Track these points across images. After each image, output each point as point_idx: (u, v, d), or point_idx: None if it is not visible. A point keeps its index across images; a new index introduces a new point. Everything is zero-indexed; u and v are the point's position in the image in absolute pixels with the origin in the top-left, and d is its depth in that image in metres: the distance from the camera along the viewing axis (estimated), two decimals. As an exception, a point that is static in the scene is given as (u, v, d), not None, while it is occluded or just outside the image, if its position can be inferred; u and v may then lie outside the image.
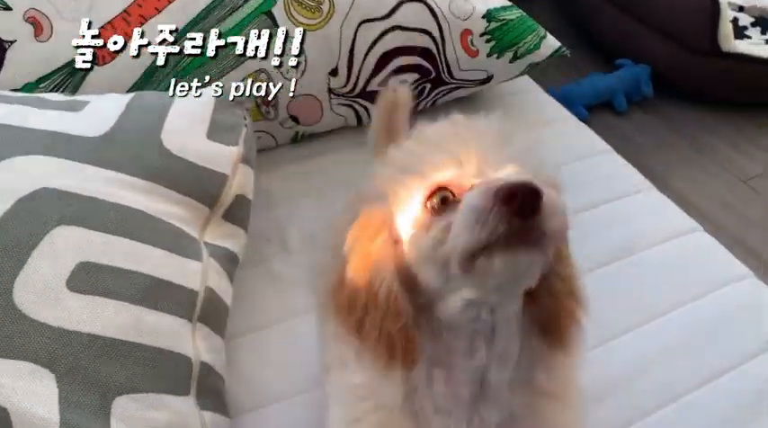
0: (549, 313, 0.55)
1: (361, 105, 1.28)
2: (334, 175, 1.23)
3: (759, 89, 2.09)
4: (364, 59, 1.22)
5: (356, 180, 1.21)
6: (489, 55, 1.28)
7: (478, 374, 0.55)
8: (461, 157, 0.50)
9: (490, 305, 0.52)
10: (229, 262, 0.90)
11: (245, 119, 1.01)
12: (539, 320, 0.55)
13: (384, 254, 0.52)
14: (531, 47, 1.30)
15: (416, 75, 1.26)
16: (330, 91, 1.23)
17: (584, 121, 1.49)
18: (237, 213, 0.94)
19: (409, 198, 0.51)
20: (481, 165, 0.50)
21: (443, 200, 0.50)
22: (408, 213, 0.51)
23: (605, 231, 1.13)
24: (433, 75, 1.27)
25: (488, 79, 1.33)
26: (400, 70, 1.25)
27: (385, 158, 0.57)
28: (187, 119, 0.94)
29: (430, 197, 0.50)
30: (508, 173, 0.49)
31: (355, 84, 1.24)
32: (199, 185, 0.89)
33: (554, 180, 0.53)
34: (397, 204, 0.53)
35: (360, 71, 1.23)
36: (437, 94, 1.32)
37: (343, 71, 1.22)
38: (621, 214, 1.18)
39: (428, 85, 1.29)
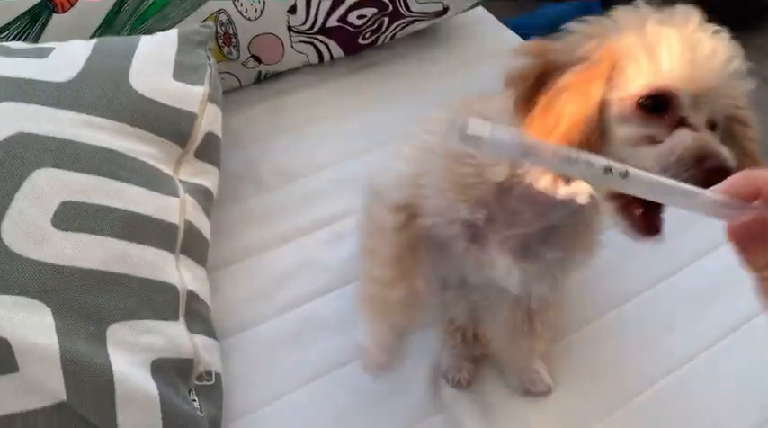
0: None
1: (321, 42, 1.30)
2: (300, 113, 1.26)
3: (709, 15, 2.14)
4: (322, -5, 1.23)
5: (321, 116, 1.26)
6: (444, -14, 1.31)
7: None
8: (695, 70, 0.52)
9: None
10: (205, 197, 0.94)
11: (208, 59, 1.03)
12: None
13: (595, 104, 0.54)
14: (485, -24, 1.33)
15: (375, 10, 1.28)
16: (290, 29, 1.25)
17: (540, 50, 1.52)
18: (209, 151, 0.97)
19: (633, 75, 0.53)
20: (703, 92, 0.52)
21: (657, 106, 0.52)
22: (624, 89, 0.53)
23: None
24: (391, 8, 1.29)
25: (444, 11, 1.35)
26: (358, 5, 1.26)
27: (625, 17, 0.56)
28: (153, 61, 0.95)
29: (647, 96, 0.52)
30: (702, 119, 0.52)
31: (315, 21, 1.26)
32: (169, 125, 0.91)
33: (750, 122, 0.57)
34: (621, 69, 0.54)
35: (318, 8, 1.24)
36: (396, 28, 1.34)
37: (301, 8, 1.23)
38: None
39: (386, 19, 1.31)
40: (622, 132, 0.53)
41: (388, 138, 1.18)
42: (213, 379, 0.79)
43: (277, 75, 1.34)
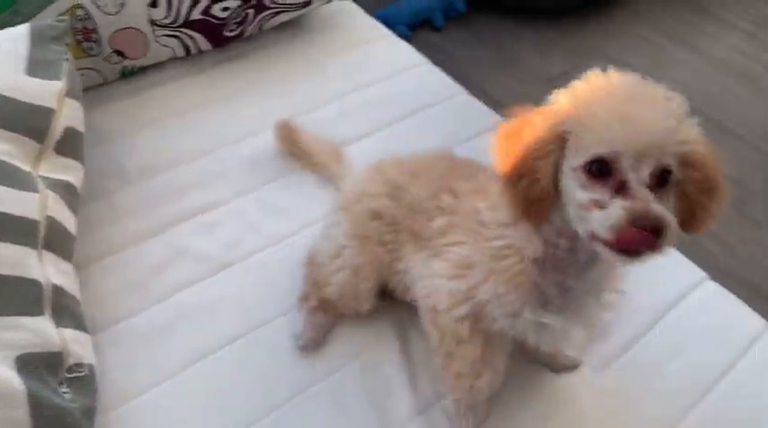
0: (686, 212, 0.65)
1: (187, 35, 1.31)
2: (169, 106, 1.26)
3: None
4: (183, -11, 1.24)
5: (187, 108, 1.27)
6: (305, -22, 1.34)
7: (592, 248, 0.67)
8: (630, 135, 0.59)
9: None
10: (68, 192, 0.93)
11: (65, 54, 1.01)
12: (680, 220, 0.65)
13: (550, 170, 0.64)
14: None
15: (238, 2, 1.30)
16: (152, 22, 1.25)
17: (406, 40, 1.59)
18: (70, 146, 0.96)
19: (576, 148, 0.62)
20: (640, 152, 0.59)
21: (600, 170, 0.61)
22: (573, 160, 0.62)
23: (424, 132, 1.26)
24: (254, 0, 1.32)
25: (308, 2, 1.39)
26: (221, -3, 1.28)
27: (569, 94, 0.66)
28: (3, 57, 0.93)
29: (591, 163, 0.61)
30: (644, 177, 0.60)
31: (177, 15, 1.26)
32: (25, 121, 0.90)
33: (693, 150, 0.63)
34: (567, 140, 0.63)
35: (180, 1, 1.24)
36: (261, 19, 1.37)
37: (162, 2, 1.23)
38: (439, 118, 1.31)
39: (251, 11, 1.33)
40: (576, 196, 0.62)
41: (257, 126, 1.22)
42: (85, 371, 0.79)
43: (144, 70, 1.33)
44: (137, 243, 1.02)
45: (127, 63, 1.28)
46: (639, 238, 0.57)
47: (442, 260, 0.79)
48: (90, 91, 1.24)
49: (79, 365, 0.79)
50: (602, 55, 2.23)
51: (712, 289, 1.07)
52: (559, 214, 0.66)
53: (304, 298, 0.95)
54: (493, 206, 0.75)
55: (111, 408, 0.83)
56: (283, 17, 1.40)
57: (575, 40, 2.30)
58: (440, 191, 0.83)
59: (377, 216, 0.88)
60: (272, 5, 1.35)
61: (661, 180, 0.61)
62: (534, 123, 0.65)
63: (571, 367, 0.93)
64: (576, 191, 0.62)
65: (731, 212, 1.80)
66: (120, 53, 1.25)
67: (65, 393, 0.76)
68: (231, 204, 1.10)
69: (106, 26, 1.20)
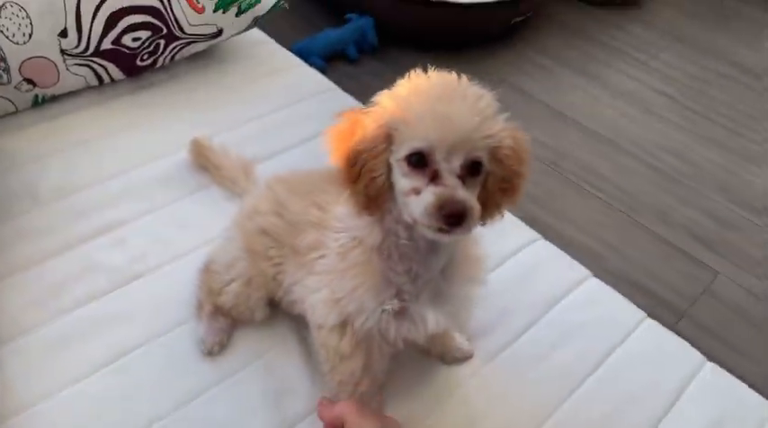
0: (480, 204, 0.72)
1: (98, 64, 1.35)
2: (82, 132, 1.30)
3: (463, 31, 2.46)
4: (93, 20, 1.28)
5: (100, 135, 1.30)
6: (215, 10, 1.41)
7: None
8: (440, 129, 0.67)
9: None
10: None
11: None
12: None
13: (383, 163, 0.71)
14: (253, 1, 1.45)
15: (149, 33, 1.35)
16: (63, 52, 1.28)
17: (321, 71, 1.67)
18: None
19: (399, 143, 0.70)
20: (450, 145, 0.67)
21: (418, 161, 0.69)
22: (397, 153, 0.70)
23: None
24: (165, 31, 1.37)
25: (219, 33, 1.46)
26: (131, 28, 1.33)
27: (392, 95, 0.73)
28: None
29: (411, 155, 0.69)
30: (455, 167, 0.68)
31: (88, 44, 1.30)
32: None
33: (502, 143, 0.71)
34: (393, 139, 0.70)
35: (90, 31, 1.29)
36: (173, 49, 1.42)
37: (72, 32, 1.27)
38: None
39: (162, 41, 1.39)
40: (400, 184, 0.70)
41: (168, 149, 1.27)
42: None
43: (57, 98, 1.36)
44: (44, 260, 1.05)
45: (38, 91, 1.31)
46: (451, 219, 0.67)
47: (314, 274, 0.84)
48: (1, 119, 1.27)
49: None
50: (507, 83, 2.39)
51: (595, 285, 1.17)
52: (395, 204, 0.74)
53: (199, 306, 1.00)
54: (339, 202, 0.82)
55: (13, 415, 0.85)
56: (195, 47, 1.46)
57: (478, 69, 2.43)
58: (310, 206, 0.88)
59: (264, 232, 0.93)
60: (183, 36, 1.41)
61: (472, 170, 0.70)
62: (364, 123, 0.72)
63: (462, 359, 1.01)
64: (400, 180, 0.70)
65: (623, 219, 1.95)
66: (30, 81, 1.28)
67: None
68: (140, 221, 1.14)
69: (15, 55, 1.23)
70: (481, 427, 0.93)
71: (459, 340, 1.01)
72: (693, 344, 1.10)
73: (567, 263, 1.21)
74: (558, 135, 2.22)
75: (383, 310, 0.80)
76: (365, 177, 0.71)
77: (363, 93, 1.69)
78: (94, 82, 1.38)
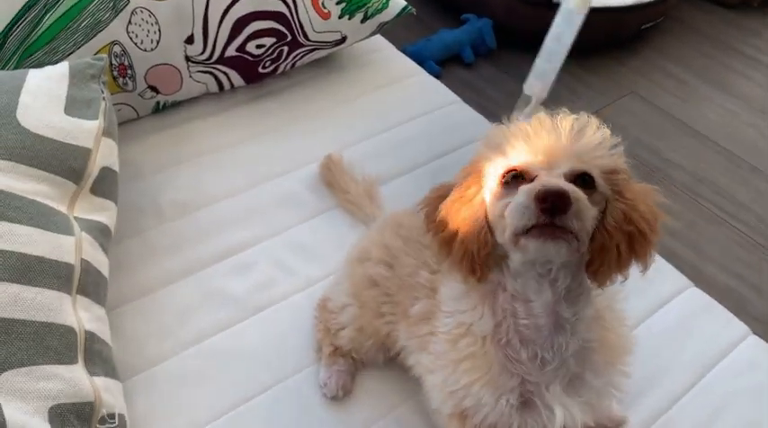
0: (597, 249, 0.62)
1: (221, 71, 1.30)
2: (202, 142, 1.26)
3: (590, 36, 2.29)
4: (219, 26, 1.24)
5: (221, 145, 1.26)
6: (341, 16, 1.34)
7: (551, 308, 0.66)
8: (536, 149, 0.61)
9: (541, 262, 0.63)
10: (102, 234, 0.92)
11: (102, 92, 1.01)
12: (588, 259, 0.64)
13: (479, 205, 0.64)
14: (380, 7, 1.37)
15: (273, 39, 1.30)
16: (187, 59, 1.25)
17: (436, 76, 1.59)
18: (105, 186, 0.95)
19: (493, 171, 0.63)
20: (550, 159, 0.60)
21: (514, 177, 0.61)
22: (491, 182, 0.63)
23: (457, 171, 1.23)
24: (290, 38, 1.31)
25: (343, 40, 1.39)
26: (256, 35, 1.28)
27: (484, 138, 0.67)
28: (42, 95, 0.93)
29: (505, 175, 0.62)
30: (557, 175, 0.60)
31: (213, 51, 1.26)
32: (62, 161, 0.89)
33: (616, 165, 0.63)
34: (486, 173, 0.64)
35: (216, 38, 1.25)
36: (296, 57, 1.36)
37: (198, 38, 1.23)
38: (471, 156, 1.28)
39: (286, 48, 1.33)
40: (494, 210, 0.62)
41: (290, 165, 1.21)
42: (116, 422, 0.77)
43: (176, 105, 1.33)
44: (169, 283, 1.01)
45: (160, 98, 1.28)
46: (547, 205, 0.56)
47: (427, 352, 0.75)
48: (122, 125, 1.24)
49: (111, 416, 0.77)
50: (636, 94, 2.22)
51: (754, 344, 1.04)
52: (506, 268, 0.65)
53: (318, 346, 0.93)
54: (444, 280, 0.72)
55: (138, 460, 0.81)
56: (317, 54, 1.40)
57: (602, 77, 2.29)
58: (421, 266, 0.78)
59: (374, 283, 0.84)
60: (307, 43, 1.34)
61: (582, 182, 0.60)
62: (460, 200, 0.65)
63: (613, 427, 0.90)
64: (494, 205, 0.62)
65: (765, 255, 1.76)
66: (154, 89, 1.25)
67: (96, 445, 0.74)
68: (264, 244, 1.08)
69: (142, 62, 1.20)
70: None
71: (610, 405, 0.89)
72: None
73: (723, 316, 1.08)
74: (693, 155, 2.03)
75: (508, 406, 0.69)
76: (461, 232, 0.64)
77: (479, 101, 1.62)
78: (215, 88, 1.34)
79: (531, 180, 0.60)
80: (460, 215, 0.64)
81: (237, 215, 1.12)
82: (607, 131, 0.63)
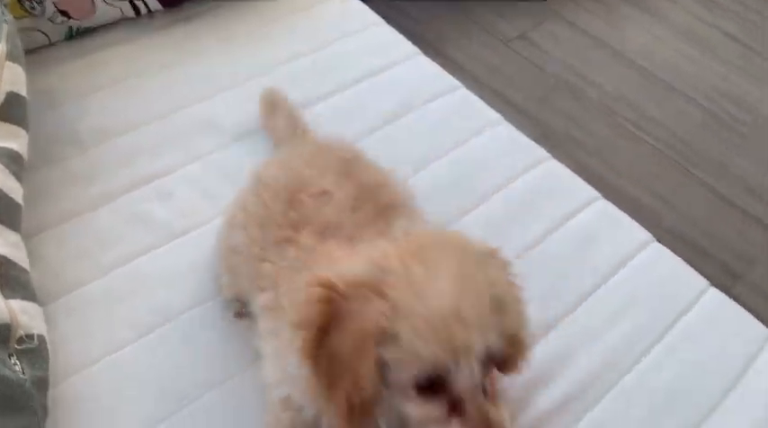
0: None
1: (136, -5, 1.27)
2: (120, 68, 1.23)
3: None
4: (129, -54, 1.20)
5: (139, 71, 1.23)
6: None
7: None
8: (459, 346, 0.55)
9: None
10: (13, 161, 0.91)
11: (3, 15, 0.97)
12: None
13: (369, 352, 0.56)
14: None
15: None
16: (98, -19, 1.20)
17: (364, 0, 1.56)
18: (13, 112, 0.93)
19: (402, 353, 0.55)
20: (467, 342, 0.55)
21: (431, 385, 0.56)
22: (396, 366, 0.56)
23: (381, 97, 1.25)
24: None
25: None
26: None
27: (384, 264, 0.58)
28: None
29: (418, 380, 0.56)
30: (475, 368, 0.56)
31: (124, -27, 1.22)
32: (-36, 87, 0.87)
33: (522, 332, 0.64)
34: (391, 338, 0.56)
35: (127, -41, 1.20)
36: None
37: (108, -41, 1.19)
38: (395, 80, 1.30)
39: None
40: (412, 412, 0.58)
41: (210, 90, 1.21)
42: (36, 342, 0.79)
43: (92, 31, 1.28)
44: (89, 210, 1.01)
45: (72, 23, 1.24)
46: None
47: (271, 344, 0.73)
48: (35, 53, 1.20)
49: (30, 336, 0.79)
50: (559, 16, 2.23)
51: (658, 250, 1.11)
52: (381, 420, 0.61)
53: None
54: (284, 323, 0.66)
55: (65, 377, 0.84)
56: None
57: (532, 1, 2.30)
58: (267, 245, 0.74)
59: (237, 252, 0.81)
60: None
61: (491, 359, 0.59)
62: (345, 308, 0.57)
63: None
64: (409, 406, 0.58)
65: (678, 171, 1.85)
66: (64, 13, 1.21)
67: (15, 365, 0.75)
68: (186, 169, 1.08)
69: (49, -15, 1.16)
70: (543, 397, 0.90)
71: None
72: (751, 310, 1.05)
73: (629, 225, 1.14)
74: (613, 76, 2.08)
75: None
76: (347, 384, 0.57)
77: (406, 24, 1.60)
78: (131, 13, 1.30)
79: (450, 392, 0.57)
80: (352, 371, 0.57)
81: (158, 141, 1.11)
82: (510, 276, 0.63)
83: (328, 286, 0.57)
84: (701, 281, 1.07)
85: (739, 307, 1.06)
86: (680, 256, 1.11)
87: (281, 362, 0.69)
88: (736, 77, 2.16)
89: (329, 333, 0.57)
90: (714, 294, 1.06)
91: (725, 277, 1.61)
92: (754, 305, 1.32)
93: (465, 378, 0.56)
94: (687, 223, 1.74)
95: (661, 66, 2.15)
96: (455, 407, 0.57)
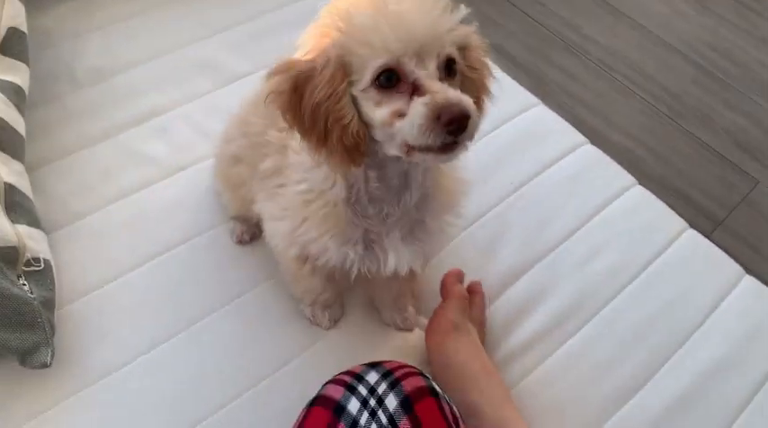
0: None
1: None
2: (115, 9, 1.24)
3: None
4: None
5: (134, 12, 1.24)
6: None
7: (403, 173, 0.69)
8: (399, 31, 0.57)
9: None
10: (16, 94, 0.93)
11: (2, -49, 0.98)
12: None
13: (349, 103, 0.60)
14: None
15: None
16: None
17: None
18: (14, 47, 0.95)
19: (358, 62, 0.58)
20: (418, 46, 0.58)
21: (389, 79, 0.58)
22: (363, 80, 0.59)
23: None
24: None
25: None
26: None
27: (328, 12, 0.61)
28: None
29: (379, 75, 0.58)
30: (432, 70, 0.58)
31: None
32: (-35, 20, 0.89)
33: (471, 40, 0.64)
34: (346, 61, 0.59)
35: None
36: None
37: None
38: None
39: None
40: (376, 116, 0.59)
41: (205, 32, 1.22)
42: (42, 265, 0.83)
43: (87, -28, 1.29)
44: (88, 146, 1.04)
45: (69, -36, 1.24)
46: (453, 126, 0.56)
47: (273, 202, 0.77)
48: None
49: (36, 259, 0.83)
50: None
51: (639, 193, 1.15)
52: (369, 146, 0.63)
53: None
54: (297, 148, 0.72)
55: (67, 302, 0.88)
56: None
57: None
58: (270, 126, 0.76)
59: (237, 160, 0.85)
60: None
61: (448, 70, 0.60)
62: (307, 68, 0.60)
63: (405, 329, 0.95)
64: (375, 111, 0.60)
65: (666, 123, 1.89)
66: (61, -48, 1.21)
67: (23, 285, 0.79)
68: (182, 108, 1.11)
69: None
70: (526, 325, 0.95)
71: (410, 310, 0.95)
72: (729, 254, 1.09)
73: (613, 169, 1.18)
74: (607, 30, 2.10)
75: (351, 253, 0.74)
76: (335, 130, 0.60)
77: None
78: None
79: (411, 83, 0.58)
80: (332, 114, 0.60)
81: (153, 80, 1.13)
82: None
83: (287, 64, 0.61)
84: (681, 223, 1.11)
85: (716, 247, 1.10)
86: (663, 201, 1.14)
87: (288, 195, 0.74)
88: (728, 32, 2.18)
89: (302, 94, 0.60)
90: (692, 235, 1.10)
91: (705, 222, 1.66)
92: (731, 248, 1.37)
93: (416, 65, 0.58)
94: (672, 171, 1.78)
95: (657, 23, 2.16)
96: (414, 94, 0.58)
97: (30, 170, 0.94)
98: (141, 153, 1.04)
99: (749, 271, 1.07)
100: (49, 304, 0.82)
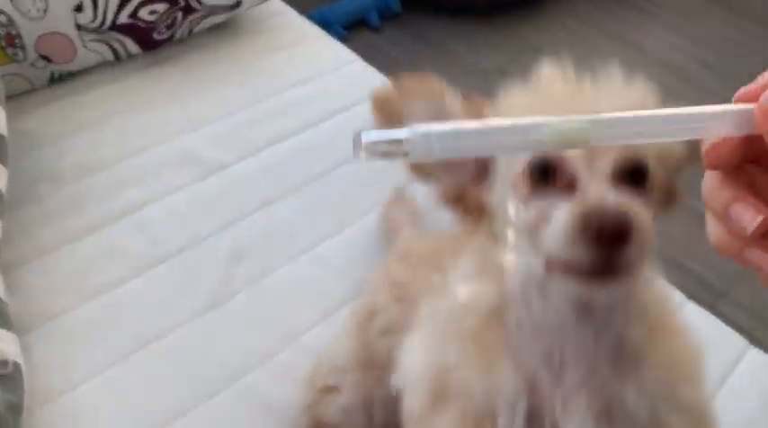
0: None
1: (115, 39, 1.31)
2: (97, 109, 1.27)
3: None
4: (108, -7, 1.24)
5: (118, 111, 1.27)
6: (237, -19, 1.36)
7: (578, 298, 0.48)
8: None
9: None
10: (-8, 197, 0.93)
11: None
12: None
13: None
14: (273, -30, 1.40)
15: (165, 5, 1.31)
16: (78, 27, 1.25)
17: (342, 40, 1.62)
18: (-6, 150, 0.96)
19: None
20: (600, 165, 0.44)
21: (544, 174, 0.45)
22: (505, 165, 0.48)
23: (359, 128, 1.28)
24: (182, 3, 1.32)
25: (238, 4, 1.41)
26: (148, 1, 1.29)
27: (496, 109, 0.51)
28: None
29: (531, 170, 0.45)
30: (604, 175, 0.44)
31: (104, 19, 1.26)
32: (-57, 126, 0.90)
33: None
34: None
35: (106, 5, 1.25)
36: (191, 22, 1.38)
37: (88, 6, 1.23)
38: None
39: (179, 14, 1.34)
40: (515, 217, 0.46)
41: (188, 126, 1.24)
42: (10, 368, 0.80)
43: (73, 75, 1.32)
44: (66, 243, 1.02)
45: (54, 68, 1.27)
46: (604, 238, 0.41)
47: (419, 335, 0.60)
48: (17, 98, 1.24)
49: (4, 363, 0.80)
50: (535, 49, 2.30)
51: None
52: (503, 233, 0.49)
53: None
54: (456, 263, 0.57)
55: (43, 403, 0.84)
56: (214, 19, 1.41)
57: (507, 35, 2.37)
58: (431, 272, 0.63)
59: (388, 330, 0.69)
60: (200, 8, 1.36)
61: (633, 180, 0.45)
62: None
63: None
64: (516, 210, 0.46)
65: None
66: (46, 58, 1.25)
67: (-12, 391, 0.76)
68: (164, 201, 1.11)
69: (30, 31, 1.20)
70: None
71: None
72: (733, 325, 1.06)
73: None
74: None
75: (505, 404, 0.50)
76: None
77: (386, 63, 1.66)
78: (111, 57, 1.34)
79: (568, 183, 0.44)
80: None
81: (135, 176, 1.14)
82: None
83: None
84: (679, 295, 1.07)
85: (717, 319, 1.06)
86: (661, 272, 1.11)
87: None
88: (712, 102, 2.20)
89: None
90: (692, 308, 1.06)
91: (706, 294, 1.62)
92: (736, 319, 1.33)
93: (583, 162, 0.44)
94: (667, 240, 1.74)
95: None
96: (566, 194, 0.44)
97: (7, 270, 0.93)
98: (120, 249, 1.03)
99: (756, 342, 1.03)
100: (15, 408, 0.78)
